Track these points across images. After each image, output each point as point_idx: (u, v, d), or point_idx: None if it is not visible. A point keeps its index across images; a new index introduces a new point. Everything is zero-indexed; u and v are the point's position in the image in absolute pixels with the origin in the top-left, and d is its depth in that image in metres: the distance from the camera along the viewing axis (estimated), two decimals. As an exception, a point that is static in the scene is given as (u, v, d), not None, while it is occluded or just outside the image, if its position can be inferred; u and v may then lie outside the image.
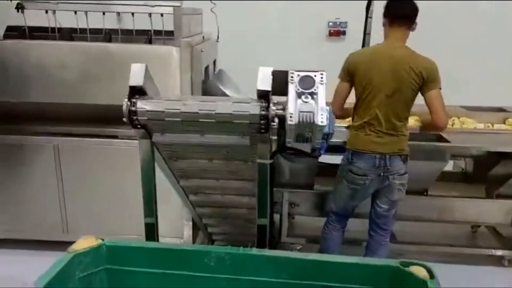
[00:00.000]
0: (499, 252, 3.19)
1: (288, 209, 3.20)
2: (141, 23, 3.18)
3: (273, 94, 1.45)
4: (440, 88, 2.36)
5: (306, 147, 1.56)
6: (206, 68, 3.12)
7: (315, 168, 3.05)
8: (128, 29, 3.28)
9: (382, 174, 2.45)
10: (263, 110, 1.35)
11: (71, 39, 3.24)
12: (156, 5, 2.91)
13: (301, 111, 1.32)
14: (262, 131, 1.38)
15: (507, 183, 2.94)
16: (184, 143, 1.51)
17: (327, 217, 2.81)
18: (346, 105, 2.52)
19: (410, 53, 2.36)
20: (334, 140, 2.65)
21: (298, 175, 3.10)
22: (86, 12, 3.02)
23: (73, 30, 3.26)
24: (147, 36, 3.18)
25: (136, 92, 1.43)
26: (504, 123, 3.50)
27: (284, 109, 1.38)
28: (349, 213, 2.72)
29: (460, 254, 3.27)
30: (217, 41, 3.63)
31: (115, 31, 3.21)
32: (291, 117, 1.32)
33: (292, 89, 1.36)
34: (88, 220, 3.04)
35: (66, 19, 3.20)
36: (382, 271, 1.45)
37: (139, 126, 1.45)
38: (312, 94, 1.34)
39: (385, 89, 2.34)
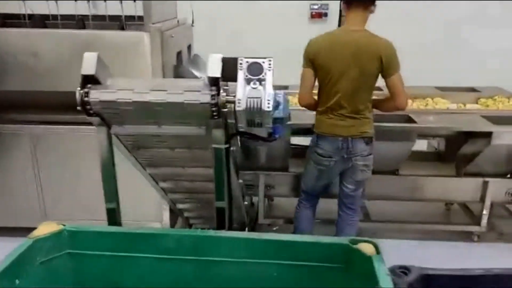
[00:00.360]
0: (469, 228, 3.30)
1: (265, 191, 3.28)
2: (116, 9, 3.18)
3: (227, 80, 1.49)
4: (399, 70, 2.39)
5: (262, 132, 1.61)
6: (179, 53, 3.13)
7: (289, 150, 3.11)
8: (101, 15, 3.27)
9: (345, 155, 2.52)
10: (213, 98, 1.40)
11: (44, 26, 3.23)
12: (126, -9, 2.91)
13: (249, 97, 1.37)
14: (215, 117, 1.43)
15: (474, 161, 3.02)
16: (142, 134, 1.55)
17: (299, 196, 2.90)
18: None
19: (369, 37, 2.39)
20: (304, 123, 2.76)
21: (273, 158, 3.16)
22: (56, -1, 3.01)
23: (46, 17, 3.25)
24: (119, 22, 3.18)
25: (89, 80, 1.46)
26: (477, 103, 3.59)
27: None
28: (318, 193, 2.80)
29: (432, 231, 3.39)
30: (192, 26, 3.63)
31: (88, 17, 3.20)
32: (239, 103, 1.37)
33: (241, 75, 1.40)
34: (66, 206, 3.09)
35: (39, 6, 3.20)
36: (335, 249, 1.52)
37: (93, 114, 1.49)
38: (260, 80, 1.38)
39: (345, 74, 2.39)
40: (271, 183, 3.26)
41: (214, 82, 1.40)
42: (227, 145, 1.54)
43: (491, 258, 3.10)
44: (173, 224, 3.20)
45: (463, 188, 3.18)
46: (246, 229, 3.21)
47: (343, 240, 1.55)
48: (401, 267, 1.46)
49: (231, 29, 4.83)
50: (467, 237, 3.32)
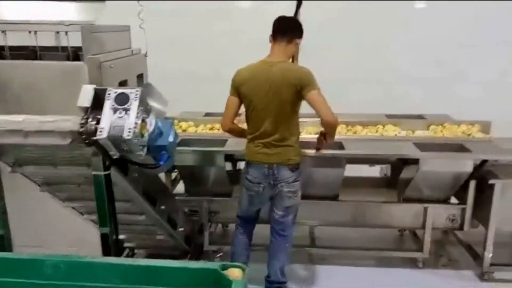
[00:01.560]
0: (413, 255, 3.29)
1: (209, 217, 3.30)
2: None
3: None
4: (319, 89, 2.43)
5: (149, 159, 1.66)
6: (124, 82, 3.22)
7: (225, 176, 3.15)
8: (52, 46, 3.39)
9: (272, 182, 2.58)
10: (82, 126, 1.47)
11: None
12: (70, 24, 3.03)
13: (113, 126, 1.43)
14: (88, 145, 1.49)
15: (410, 187, 3.04)
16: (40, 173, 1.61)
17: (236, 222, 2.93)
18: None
19: (287, 68, 2.47)
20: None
21: (216, 184, 3.19)
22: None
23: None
24: (67, 53, 3.29)
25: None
26: (428, 129, 3.63)
27: (105, 124, 1.49)
28: (252, 218, 2.83)
29: (383, 258, 3.38)
30: (146, 56, 3.74)
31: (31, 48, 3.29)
32: (100, 131, 1.43)
33: (107, 105, 1.47)
34: None
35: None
36: (205, 274, 1.55)
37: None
38: (126, 110, 1.45)
39: (266, 105, 2.47)
40: (216, 209, 3.29)
41: (84, 111, 1.47)
42: (106, 172, 1.59)
43: (433, 284, 3.11)
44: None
45: (404, 214, 3.19)
46: (189, 256, 3.24)
47: (214, 265, 1.57)
48: None
49: (194, 55, 4.95)
50: (414, 263, 3.31)
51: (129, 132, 1.43)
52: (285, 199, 2.60)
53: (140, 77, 3.64)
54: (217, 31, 5.03)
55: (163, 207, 2.44)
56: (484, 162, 2.93)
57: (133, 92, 1.48)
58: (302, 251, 3.38)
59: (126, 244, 3.02)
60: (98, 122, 1.47)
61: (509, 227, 3.07)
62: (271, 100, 2.45)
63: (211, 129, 3.52)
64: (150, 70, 3.86)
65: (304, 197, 3.13)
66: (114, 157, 1.50)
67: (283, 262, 2.74)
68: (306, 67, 2.49)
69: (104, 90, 1.47)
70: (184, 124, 3.55)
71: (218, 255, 3.34)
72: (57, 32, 3.12)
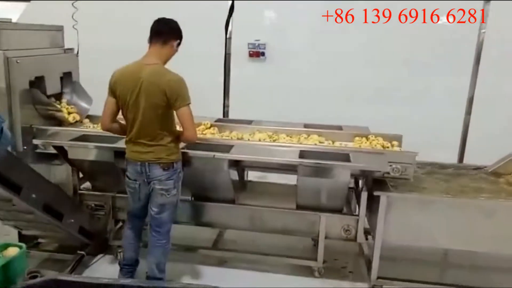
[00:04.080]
0: (307, 263, 3.32)
1: (114, 213, 3.40)
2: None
3: None
4: (189, 103, 2.55)
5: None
6: (40, 79, 3.35)
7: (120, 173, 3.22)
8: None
9: (145, 180, 2.67)
10: None
11: None
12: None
13: None
14: None
15: (298, 194, 3.09)
16: None
17: (127, 217, 3.03)
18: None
19: (158, 71, 2.56)
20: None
21: (112, 180, 3.27)
22: None
23: None
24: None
25: None
26: (353, 141, 3.66)
27: None
28: (137, 214, 2.91)
29: (286, 264, 3.41)
30: (77, 55, 3.90)
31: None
32: None
33: None
34: None
35: None
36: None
37: None
38: None
39: (137, 106, 2.56)
40: (120, 205, 3.38)
41: None
42: None
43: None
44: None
45: (299, 222, 3.23)
46: (88, 249, 3.34)
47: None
48: (33, 271, 1.58)
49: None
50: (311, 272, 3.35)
51: None
52: (158, 196, 2.69)
53: (67, 75, 3.80)
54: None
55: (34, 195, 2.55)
56: (370, 174, 2.98)
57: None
58: (204, 252, 3.46)
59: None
60: None
61: (398, 240, 3.07)
62: (141, 101, 2.54)
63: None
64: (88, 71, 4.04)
65: (203, 198, 3.27)
66: None
67: (159, 258, 2.81)
68: (178, 75, 2.56)
69: None
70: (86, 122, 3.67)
71: (120, 250, 3.42)
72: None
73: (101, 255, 3.48)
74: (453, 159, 4.56)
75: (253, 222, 3.28)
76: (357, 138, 3.62)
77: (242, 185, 3.65)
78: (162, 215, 2.75)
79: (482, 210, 2.94)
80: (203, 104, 5.06)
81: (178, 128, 2.73)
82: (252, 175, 4.00)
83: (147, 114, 2.56)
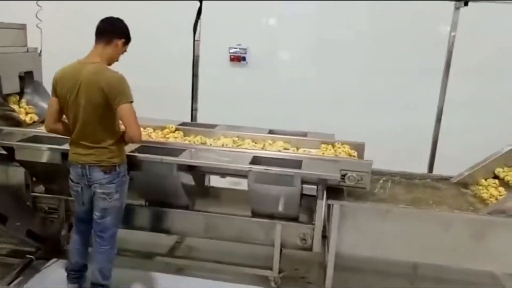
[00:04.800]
0: (262, 272, 3.22)
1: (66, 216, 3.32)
2: None
3: None
4: (132, 102, 2.47)
5: None
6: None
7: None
8: None
9: (86, 183, 2.59)
10: None
11: None
12: None
13: None
14: None
15: (251, 201, 3.01)
16: None
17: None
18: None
19: (98, 70, 2.48)
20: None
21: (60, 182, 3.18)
22: None
23: None
24: None
25: None
26: (319, 148, 3.57)
27: None
28: (83, 218, 2.82)
29: (243, 273, 3.31)
30: (40, 55, 3.84)
31: None
32: None
33: None
34: None
35: None
36: None
37: None
38: None
39: (78, 107, 2.49)
40: (74, 209, 3.28)
41: None
42: None
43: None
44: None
45: (255, 229, 3.14)
46: (38, 253, 3.26)
47: None
48: None
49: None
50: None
51: None
52: (100, 200, 2.61)
53: (29, 74, 3.73)
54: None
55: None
56: (324, 182, 2.89)
57: None
58: (160, 259, 3.37)
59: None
60: None
61: (352, 250, 2.97)
62: (81, 101, 2.47)
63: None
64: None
65: (156, 204, 3.19)
66: None
67: (102, 265, 2.72)
68: (119, 73, 2.49)
69: None
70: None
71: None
72: None
73: (55, 259, 3.40)
74: (423, 169, 4.46)
75: (208, 229, 3.19)
76: (323, 146, 3.53)
77: (201, 190, 3.56)
78: (105, 220, 2.66)
79: (438, 221, 2.84)
80: (177, 108, 5.13)
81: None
82: (227, 182, 3.87)
83: (87, 114, 2.49)
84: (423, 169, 4.43)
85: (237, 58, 5.40)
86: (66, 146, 2.88)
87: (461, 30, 4.25)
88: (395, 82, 4.53)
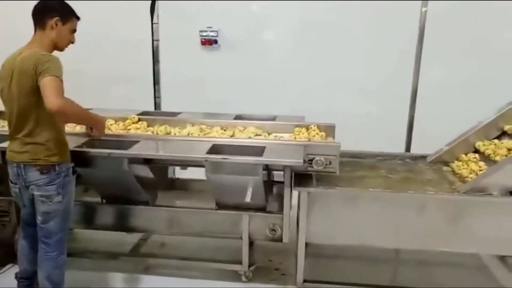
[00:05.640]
0: (233, 267, 3.03)
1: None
2: None
3: None
4: (58, 76, 2.17)
5: None
6: None
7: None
8: None
9: (23, 183, 2.35)
10: None
11: None
12: None
13: None
14: None
15: (213, 191, 2.79)
16: None
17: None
18: None
19: (31, 55, 2.22)
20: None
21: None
22: None
23: None
24: None
25: None
26: (293, 132, 3.33)
27: None
28: (28, 222, 2.55)
29: (213, 269, 3.12)
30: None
31: None
32: None
33: None
34: None
35: None
36: None
37: None
38: None
39: (12, 98, 2.26)
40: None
41: None
42: None
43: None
44: None
45: (221, 222, 2.93)
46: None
47: None
48: None
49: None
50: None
51: None
52: (40, 204, 2.36)
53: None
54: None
55: None
56: (288, 168, 2.68)
57: None
58: (124, 259, 3.16)
59: None
60: None
61: (322, 239, 2.78)
62: (14, 91, 2.23)
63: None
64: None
65: (114, 201, 2.96)
66: None
67: (50, 272, 2.47)
68: (51, 55, 2.24)
69: None
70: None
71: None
72: None
73: (10, 265, 3.18)
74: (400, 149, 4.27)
75: (171, 225, 2.98)
76: (296, 129, 3.30)
77: (165, 183, 3.34)
78: (48, 225, 2.41)
79: (412, 204, 2.64)
80: (140, 97, 4.83)
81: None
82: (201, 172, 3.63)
83: (21, 104, 2.24)
84: (400, 150, 4.24)
85: (209, 42, 5.13)
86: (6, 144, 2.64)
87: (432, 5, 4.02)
88: (370, 64, 4.29)
